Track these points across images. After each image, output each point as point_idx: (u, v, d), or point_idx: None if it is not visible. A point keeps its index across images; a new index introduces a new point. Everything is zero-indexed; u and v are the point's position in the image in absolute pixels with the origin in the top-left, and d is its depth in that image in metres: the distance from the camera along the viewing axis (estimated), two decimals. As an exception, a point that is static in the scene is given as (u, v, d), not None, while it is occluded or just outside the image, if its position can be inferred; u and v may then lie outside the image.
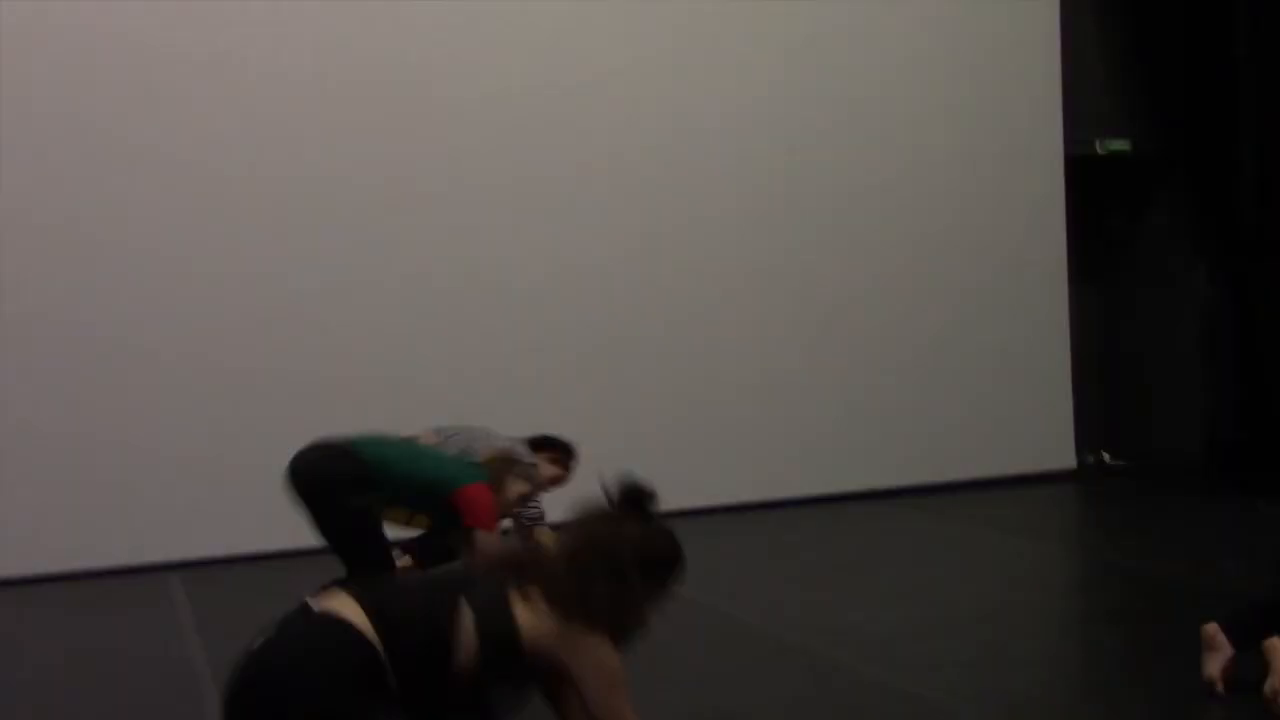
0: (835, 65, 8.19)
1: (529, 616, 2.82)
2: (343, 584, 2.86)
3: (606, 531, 2.94)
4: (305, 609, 2.81)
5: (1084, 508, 8.47)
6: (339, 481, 4.79)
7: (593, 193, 7.71)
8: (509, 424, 5.95)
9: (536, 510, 5.86)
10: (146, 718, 4.58)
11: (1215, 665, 4.19)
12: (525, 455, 5.79)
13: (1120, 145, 9.01)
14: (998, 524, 7.43)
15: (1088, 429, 8.98)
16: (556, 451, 5.96)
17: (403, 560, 5.79)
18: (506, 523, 5.61)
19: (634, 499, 3.00)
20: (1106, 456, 9.21)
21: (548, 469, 5.88)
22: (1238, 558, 6.25)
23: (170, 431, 6.91)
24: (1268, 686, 3.96)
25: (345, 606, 2.75)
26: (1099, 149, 8.98)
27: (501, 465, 5.07)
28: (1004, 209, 8.58)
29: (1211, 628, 4.23)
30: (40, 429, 6.73)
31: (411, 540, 5.79)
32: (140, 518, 6.81)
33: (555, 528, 5.98)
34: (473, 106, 7.47)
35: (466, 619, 2.76)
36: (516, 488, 5.10)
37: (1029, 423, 8.59)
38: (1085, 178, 8.89)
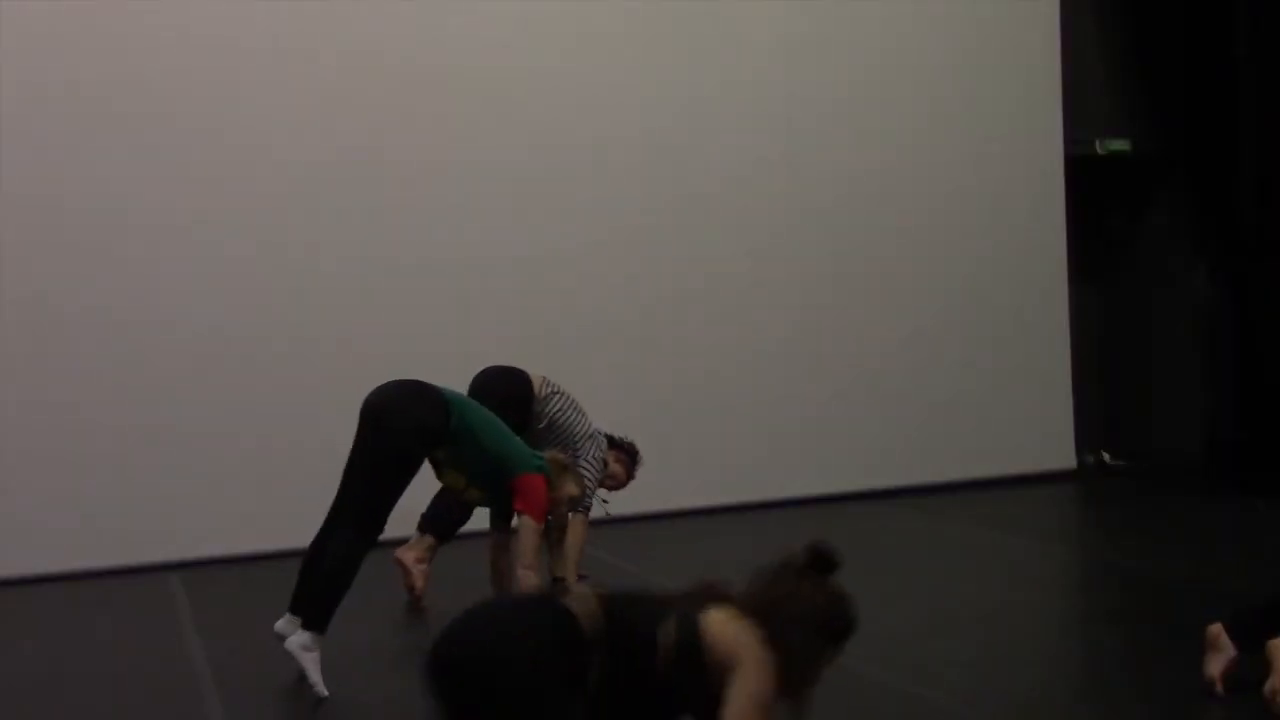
0: (835, 64, 8.19)
1: (716, 622, 2.96)
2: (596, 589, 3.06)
3: (799, 588, 3.05)
4: (551, 600, 3.03)
5: (1084, 508, 8.47)
6: (420, 429, 4.82)
7: (594, 190, 7.71)
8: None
9: (588, 501, 6.00)
10: (146, 718, 4.58)
11: (1217, 666, 4.20)
12: (603, 445, 6.13)
13: (1120, 145, 9.02)
14: (998, 524, 7.43)
15: (1088, 429, 8.98)
16: (624, 454, 6.24)
17: (425, 540, 5.86)
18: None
19: (822, 562, 3.10)
20: (1106, 456, 9.21)
21: (613, 467, 6.18)
22: (1238, 558, 6.26)
23: (171, 431, 6.91)
24: (1268, 686, 3.96)
25: (577, 597, 2.96)
26: (1099, 149, 8.98)
27: (561, 467, 5.25)
28: (1004, 209, 8.58)
29: (1215, 628, 4.23)
30: (40, 429, 6.73)
31: (426, 520, 5.89)
32: (140, 518, 6.81)
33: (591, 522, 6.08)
34: (476, 101, 7.47)
35: (670, 627, 2.93)
36: (569, 489, 5.28)
37: (1029, 423, 8.59)
38: (1085, 178, 8.89)
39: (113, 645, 5.53)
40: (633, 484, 6.35)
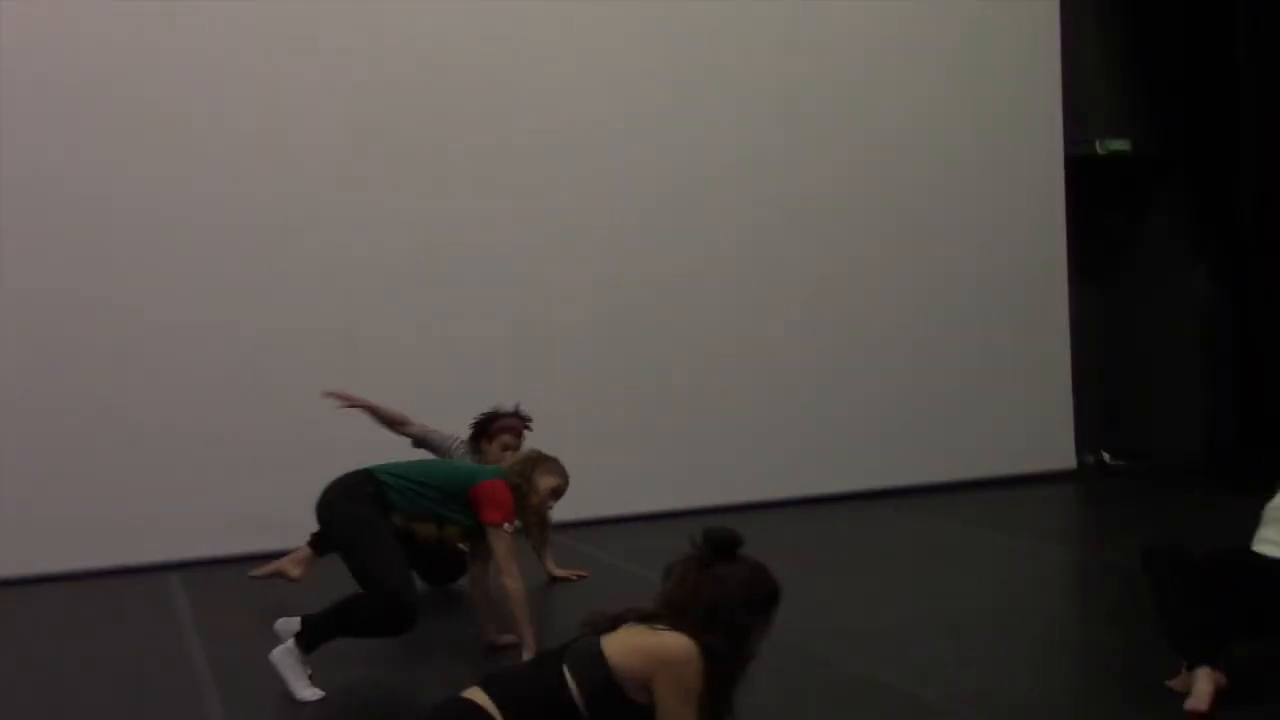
0: (834, 64, 8.19)
1: (618, 645, 2.99)
2: (479, 682, 3.05)
3: (712, 574, 3.05)
4: (452, 699, 3.04)
5: (1084, 508, 8.47)
6: (362, 521, 4.74)
7: (591, 188, 7.71)
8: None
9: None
10: (146, 718, 4.58)
11: (1179, 681, 4.22)
12: (461, 448, 5.96)
13: (1120, 145, 9.02)
14: (998, 524, 7.43)
15: (1088, 429, 8.99)
16: (511, 419, 5.98)
17: (304, 550, 5.93)
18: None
19: (722, 544, 3.09)
20: (1106, 456, 9.21)
21: (499, 446, 5.93)
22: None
23: (171, 432, 6.91)
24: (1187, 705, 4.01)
25: (478, 696, 2.96)
26: (1099, 149, 8.98)
27: (526, 464, 5.03)
28: (1004, 209, 8.58)
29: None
30: (40, 429, 6.73)
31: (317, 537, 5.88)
32: (140, 518, 6.81)
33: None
34: (474, 102, 7.47)
35: (569, 676, 2.97)
36: (547, 482, 5.03)
37: (1029, 423, 8.59)
38: (1085, 178, 8.89)
39: (113, 645, 5.52)
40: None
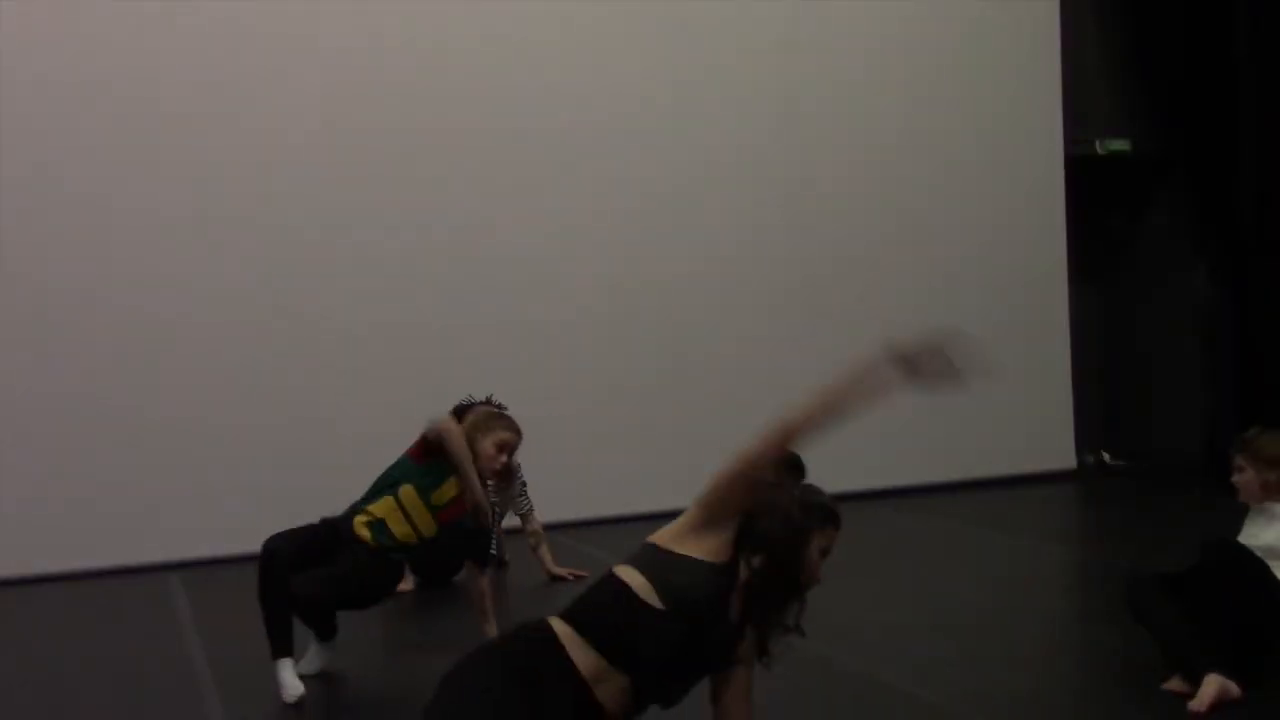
0: (834, 63, 8.19)
1: (671, 530, 3.08)
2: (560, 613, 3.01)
3: (774, 483, 3.18)
4: (532, 626, 2.99)
5: (1084, 508, 8.47)
6: (311, 551, 4.77)
7: (593, 190, 7.71)
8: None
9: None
10: (146, 718, 4.58)
11: (1174, 683, 4.23)
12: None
13: (1120, 145, 9.02)
14: (998, 524, 7.43)
15: (1088, 429, 8.99)
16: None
17: (406, 584, 5.92)
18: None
19: (788, 462, 3.22)
20: (1106, 456, 9.21)
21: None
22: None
23: (172, 432, 6.91)
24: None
25: (557, 625, 2.93)
26: (1099, 149, 8.98)
27: (469, 429, 4.87)
28: (1004, 209, 8.58)
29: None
30: (41, 428, 6.74)
31: (413, 566, 5.88)
32: (140, 518, 6.81)
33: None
34: (471, 101, 7.48)
35: (625, 572, 2.95)
36: (490, 440, 4.86)
37: (1029, 423, 8.59)
38: (1085, 178, 8.89)
39: (113, 645, 5.53)
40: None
